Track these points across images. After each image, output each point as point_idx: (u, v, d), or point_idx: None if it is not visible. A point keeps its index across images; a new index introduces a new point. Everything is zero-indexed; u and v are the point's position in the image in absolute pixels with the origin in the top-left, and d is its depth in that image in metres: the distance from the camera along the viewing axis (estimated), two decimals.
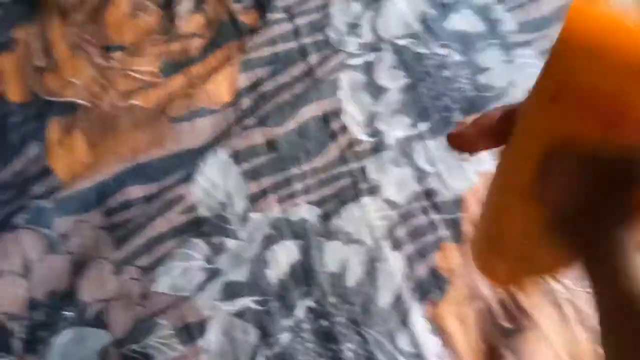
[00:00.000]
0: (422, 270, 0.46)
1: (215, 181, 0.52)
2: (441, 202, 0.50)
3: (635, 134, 0.19)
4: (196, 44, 0.61)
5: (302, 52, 0.58)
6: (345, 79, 0.56)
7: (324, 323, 0.45)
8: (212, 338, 0.46)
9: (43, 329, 0.47)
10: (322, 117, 0.55)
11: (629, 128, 0.19)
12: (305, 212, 0.50)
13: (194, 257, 0.49)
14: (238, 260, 0.48)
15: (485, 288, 0.46)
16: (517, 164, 0.24)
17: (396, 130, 0.53)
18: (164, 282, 0.48)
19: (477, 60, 0.55)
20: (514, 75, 0.54)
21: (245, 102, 0.56)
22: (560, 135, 0.21)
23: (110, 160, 0.54)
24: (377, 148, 0.52)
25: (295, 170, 0.52)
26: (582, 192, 0.21)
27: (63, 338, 0.47)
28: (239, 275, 0.48)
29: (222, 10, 0.63)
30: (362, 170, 0.51)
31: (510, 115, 0.24)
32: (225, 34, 0.61)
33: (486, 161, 0.50)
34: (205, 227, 0.50)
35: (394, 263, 0.47)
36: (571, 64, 0.19)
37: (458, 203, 0.50)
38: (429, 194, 0.50)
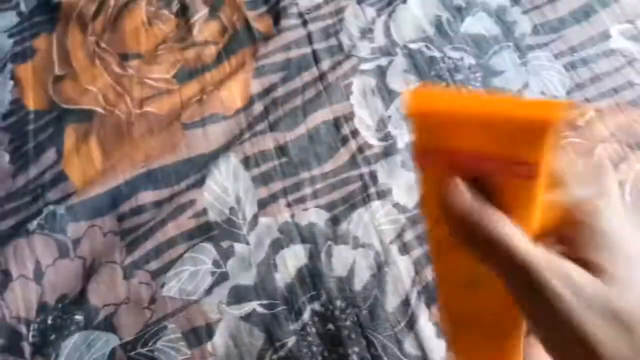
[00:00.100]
0: (429, 274, 0.45)
1: (226, 186, 0.52)
2: None
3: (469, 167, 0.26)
4: (211, 51, 0.62)
5: (315, 58, 0.58)
6: (357, 83, 0.56)
7: (331, 327, 0.45)
8: (219, 341, 0.45)
9: (53, 332, 0.48)
10: (333, 121, 0.54)
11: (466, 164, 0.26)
12: (314, 216, 0.50)
13: (202, 261, 0.49)
14: (246, 264, 0.48)
15: None
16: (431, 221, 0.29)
17: (407, 134, 0.52)
18: (173, 286, 0.48)
19: (491, 63, 0.54)
20: (528, 78, 0.53)
21: (258, 107, 0.56)
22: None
23: (124, 166, 0.55)
24: (388, 152, 0.51)
25: (305, 175, 0.52)
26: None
27: (72, 341, 0.47)
28: (247, 279, 0.47)
29: (237, 18, 0.63)
30: (372, 174, 0.51)
31: None
32: (240, 40, 0.62)
33: None
34: (215, 232, 0.50)
35: (402, 267, 0.46)
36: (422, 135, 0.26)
37: None
38: None
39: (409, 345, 0.43)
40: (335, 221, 0.49)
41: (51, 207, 0.53)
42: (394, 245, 0.47)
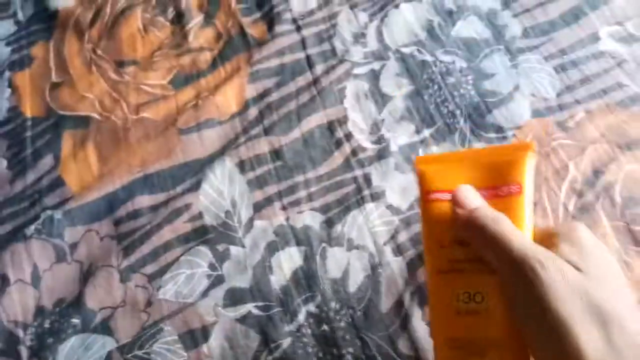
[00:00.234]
0: (422, 275, 0.46)
1: (221, 190, 0.53)
2: None
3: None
4: (206, 57, 0.62)
5: (309, 63, 0.59)
6: (351, 87, 0.56)
7: (325, 328, 0.45)
8: (214, 343, 0.46)
9: (50, 336, 0.48)
10: (327, 125, 0.55)
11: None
12: (309, 219, 0.50)
13: (198, 264, 0.49)
14: (242, 267, 0.49)
15: None
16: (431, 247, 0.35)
17: (400, 136, 0.53)
18: (169, 289, 0.49)
19: (482, 66, 0.55)
20: (519, 80, 0.54)
21: (253, 112, 0.57)
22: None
23: (120, 171, 0.56)
24: (381, 155, 0.52)
25: (299, 178, 0.52)
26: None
27: (69, 345, 0.48)
28: (243, 281, 0.48)
29: (232, 24, 0.64)
30: (366, 177, 0.51)
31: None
32: (235, 46, 0.62)
33: None
34: (211, 235, 0.51)
35: (396, 268, 0.46)
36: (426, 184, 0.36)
37: None
38: None
39: (403, 345, 0.43)
40: (329, 223, 0.50)
41: (48, 212, 0.54)
42: (388, 247, 0.48)
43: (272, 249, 0.49)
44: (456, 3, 0.60)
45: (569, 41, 0.55)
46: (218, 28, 0.64)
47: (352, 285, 0.46)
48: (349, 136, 0.54)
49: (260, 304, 0.47)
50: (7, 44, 0.66)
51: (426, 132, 0.53)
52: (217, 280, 0.48)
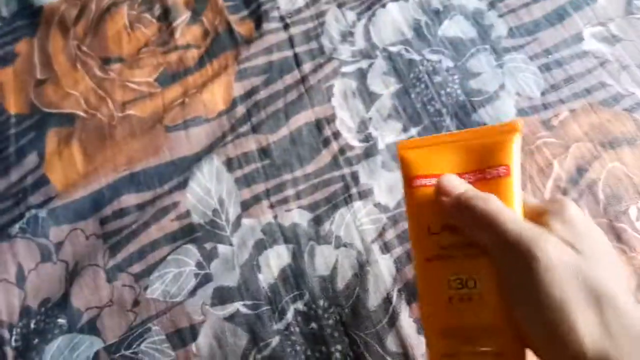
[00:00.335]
0: (409, 272, 0.46)
1: (209, 188, 0.52)
2: None
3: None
4: (193, 54, 0.62)
5: (297, 61, 0.59)
6: (338, 86, 0.57)
7: (314, 326, 0.45)
8: (203, 342, 0.46)
9: (36, 336, 0.48)
10: (315, 123, 0.55)
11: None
12: (297, 217, 0.50)
13: (186, 263, 0.49)
14: (230, 265, 0.49)
15: None
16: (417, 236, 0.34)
17: (388, 135, 0.53)
18: (157, 289, 0.48)
19: (468, 65, 0.56)
20: (505, 80, 0.54)
21: (240, 110, 0.57)
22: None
23: (106, 169, 0.55)
24: (369, 153, 0.52)
25: (287, 176, 0.52)
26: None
27: (56, 345, 0.47)
28: (231, 280, 0.48)
29: (219, 21, 0.64)
30: (354, 175, 0.51)
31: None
32: (222, 44, 0.62)
33: None
34: (198, 234, 0.50)
35: (383, 266, 0.47)
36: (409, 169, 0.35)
37: None
38: None
39: (391, 342, 0.44)
40: (317, 221, 0.50)
41: (33, 211, 0.53)
42: (376, 245, 0.48)
43: (260, 247, 0.49)
44: (443, 3, 0.60)
45: (553, 41, 0.56)
46: (205, 25, 0.64)
47: (340, 283, 0.47)
48: (336, 134, 0.54)
49: (248, 302, 0.47)
50: None
51: (413, 131, 0.53)
52: (205, 279, 0.48)
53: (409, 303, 0.45)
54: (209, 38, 0.63)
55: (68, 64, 0.63)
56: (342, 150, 0.53)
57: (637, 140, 0.50)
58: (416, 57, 0.57)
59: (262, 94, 0.57)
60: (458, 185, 0.32)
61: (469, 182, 0.33)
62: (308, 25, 0.61)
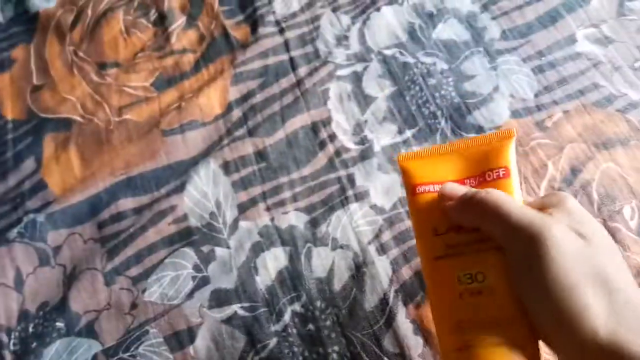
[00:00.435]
0: (406, 273, 0.46)
1: (205, 191, 0.53)
2: None
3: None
4: (189, 59, 0.63)
5: (292, 65, 0.60)
6: (334, 89, 0.57)
7: (311, 327, 0.46)
8: (200, 345, 0.46)
9: (35, 340, 0.48)
10: (311, 126, 0.55)
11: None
12: (293, 219, 0.50)
13: (183, 266, 0.49)
14: (227, 268, 0.49)
15: None
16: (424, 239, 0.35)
17: (383, 137, 0.53)
18: (154, 292, 0.49)
19: (462, 68, 0.56)
20: (498, 82, 0.55)
21: (236, 114, 0.57)
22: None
23: (103, 173, 0.55)
24: (365, 155, 0.53)
25: (284, 179, 0.53)
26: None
27: (54, 349, 0.47)
28: (228, 282, 0.48)
29: (215, 26, 0.64)
30: (350, 177, 0.52)
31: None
32: (218, 48, 0.63)
33: None
34: (196, 237, 0.51)
35: (380, 267, 0.47)
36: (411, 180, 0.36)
37: None
38: None
39: (388, 343, 0.44)
40: (314, 223, 0.50)
41: (31, 215, 0.53)
42: (372, 246, 0.48)
43: (257, 249, 0.49)
44: (436, 6, 0.60)
45: (546, 43, 0.57)
46: (201, 30, 0.64)
47: (337, 284, 0.47)
48: (332, 137, 0.54)
49: (246, 304, 0.47)
50: None
51: (408, 133, 0.53)
52: (203, 282, 0.49)
53: (405, 304, 0.45)
54: (204, 42, 0.63)
55: (64, 70, 0.63)
56: (338, 153, 0.53)
57: (631, 141, 0.50)
58: (410, 60, 0.57)
59: (258, 98, 0.57)
60: (461, 189, 0.33)
61: (471, 186, 0.34)
62: (303, 30, 0.62)
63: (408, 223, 0.49)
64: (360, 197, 0.51)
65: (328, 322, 0.46)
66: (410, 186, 0.36)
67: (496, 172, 0.34)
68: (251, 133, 0.56)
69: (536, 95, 0.54)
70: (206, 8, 0.65)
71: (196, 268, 0.49)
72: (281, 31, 0.62)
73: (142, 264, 0.50)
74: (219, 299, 0.48)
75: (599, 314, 0.26)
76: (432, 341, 0.43)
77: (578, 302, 0.26)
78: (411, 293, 0.45)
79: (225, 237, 0.50)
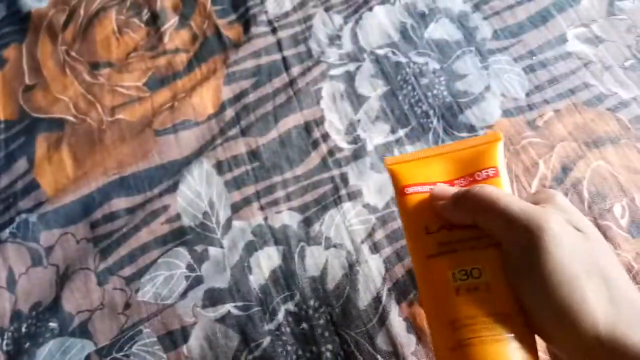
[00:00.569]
0: (399, 272, 0.47)
1: (199, 191, 0.53)
2: None
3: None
4: (182, 58, 0.63)
5: (285, 64, 0.60)
6: (327, 88, 0.57)
7: (305, 326, 0.46)
8: (194, 344, 0.46)
9: (28, 340, 0.48)
10: (304, 126, 0.55)
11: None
12: (287, 218, 0.51)
13: (177, 265, 0.49)
14: (221, 267, 0.49)
15: None
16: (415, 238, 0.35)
17: (376, 136, 0.54)
18: (148, 291, 0.49)
19: (454, 67, 0.56)
20: (490, 81, 0.55)
21: (229, 113, 0.57)
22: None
23: (96, 173, 0.55)
24: (358, 155, 0.53)
25: (277, 179, 0.53)
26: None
27: (47, 349, 0.47)
28: (221, 282, 0.48)
29: (207, 26, 0.64)
30: (343, 176, 0.52)
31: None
32: (210, 48, 0.63)
33: None
34: (189, 236, 0.51)
35: (373, 266, 0.47)
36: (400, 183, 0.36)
37: None
38: None
39: (381, 341, 0.44)
40: (307, 223, 0.50)
41: (23, 215, 0.53)
42: (365, 245, 0.48)
43: (250, 249, 0.49)
44: (428, 6, 0.61)
45: (537, 42, 0.57)
46: (193, 29, 0.64)
47: (331, 283, 0.47)
48: (325, 136, 0.54)
49: (239, 303, 0.47)
50: None
51: (401, 132, 0.54)
52: (196, 281, 0.49)
53: (398, 302, 0.45)
54: (197, 42, 0.63)
55: (57, 69, 0.63)
56: (331, 152, 0.53)
57: (621, 140, 0.51)
58: (403, 59, 0.58)
59: (251, 97, 0.58)
60: (451, 189, 0.33)
61: (461, 186, 0.34)
62: (296, 29, 0.62)
63: (401, 222, 0.49)
64: (353, 196, 0.51)
65: (321, 321, 0.46)
66: (399, 187, 0.36)
67: (485, 172, 0.34)
68: (244, 133, 0.56)
69: (527, 95, 0.54)
70: (199, 8, 0.65)
71: (189, 268, 0.49)
72: (274, 31, 0.62)
73: (135, 263, 0.50)
74: (213, 298, 0.48)
75: (599, 308, 0.26)
76: (425, 339, 0.44)
77: (578, 296, 0.26)
78: (404, 291, 0.46)
79: (219, 237, 0.50)
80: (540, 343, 0.30)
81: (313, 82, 0.58)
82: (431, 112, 0.54)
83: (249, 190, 0.53)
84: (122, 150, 0.57)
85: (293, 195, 0.52)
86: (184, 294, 0.48)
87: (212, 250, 0.50)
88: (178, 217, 0.52)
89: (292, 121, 0.56)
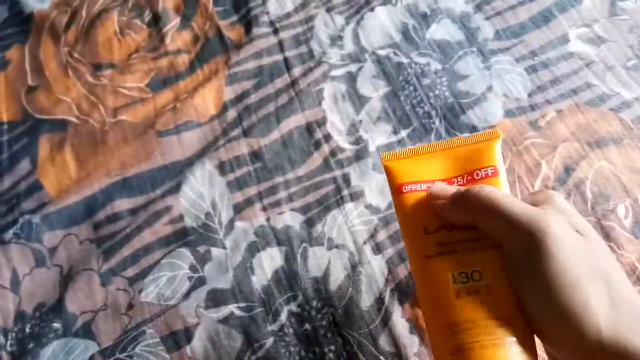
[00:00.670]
0: (402, 272, 0.47)
1: (201, 192, 0.53)
2: None
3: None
4: (184, 59, 0.63)
5: (287, 65, 0.60)
6: (328, 89, 0.57)
7: (307, 327, 0.46)
8: (197, 345, 0.46)
9: (32, 341, 0.48)
10: (306, 126, 0.56)
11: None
12: (289, 219, 0.51)
13: (180, 266, 0.50)
14: (223, 268, 0.49)
15: None
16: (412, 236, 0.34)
17: (378, 137, 0.54)
18: (151, 292, 0.49)
19: (456, 68, 0.56)
20: (492, 82, 0.55)
21: (231, 114, 0.57)
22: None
23: (99, 174, 0.55)
24: (360, 155, 0.53)
25: (279, 179, 0.53)
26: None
27: (51, 349, 0.47)
28: (224, 282, 0.48)
29: (209, 27, 0.64)
30: (345, 177, 0.52)
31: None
32: (212, 49, 0.63)
33: None
34: (192, 237, 0.51)
35: (376, 266, 0.47)
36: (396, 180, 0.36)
37: None
38: None
39: (384, 342, 0.44)
40: (310, 223, 0.50)
41: (27, 216, 0.53)
42: (367, 246, 0.49)
43: (253, 249, 0.50)
44: (430, 6, 0.61)
45: (539, 43, 0.57)
46: (195, 31, 0.64)
47: (333, 284, 0.47)
48: (327, 137, 0.54)
49: (242, 304, 0.47)
50: None
51: (403, 133, 0.54)
52: (199, 282, 0.49)
53: (401, 303, 0.46)
54: (199, 43, 0.63)
55: (59, 71, 0.63)
56: (333, 153, 0.53)
57: (624, 140, 0.51)
58: (404, 60, 0.58)
59: (253, 98, 0.58)
60: (450, 188, 0.33)
61: (459, 185, 0.34)
62: (297, 30, 0.62)
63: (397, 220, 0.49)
64: (356, 196, 0.51)
65: (324, 322, 0.46)
66: (395, 185, 0.35)
67: (484, 171, 0.34)
68: (246, 133, 0.56)
69: (529, 95, 0.54)
70: (200, 9, 0.65)
71: (192, 268, 0.49)
72: (275, 31, 0.62)
73: (138, 264, 0.50)
74: (216, 299, 0.48)
75: (600, 312, 0.26)
76: (427, 340, 0.44)
77: (580, 299, 0.26)
78: (407, 292, 0.46)
79: (221, 238, 0.50)
80: (538, 343, 0.30)
81: (315, 82, 0.58)
82: (433, 113, 0.54)
83: (252, 191, 0.53)
84: (125, 151, 0.57)
85: (295, 196, 0.52)
86: (187, 295, 0.48)
87: (215, 251, 0.50)
88: (181, 218, 0.52)
89: (294, 122, 0.56)
